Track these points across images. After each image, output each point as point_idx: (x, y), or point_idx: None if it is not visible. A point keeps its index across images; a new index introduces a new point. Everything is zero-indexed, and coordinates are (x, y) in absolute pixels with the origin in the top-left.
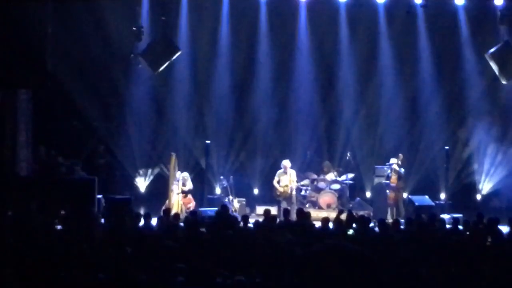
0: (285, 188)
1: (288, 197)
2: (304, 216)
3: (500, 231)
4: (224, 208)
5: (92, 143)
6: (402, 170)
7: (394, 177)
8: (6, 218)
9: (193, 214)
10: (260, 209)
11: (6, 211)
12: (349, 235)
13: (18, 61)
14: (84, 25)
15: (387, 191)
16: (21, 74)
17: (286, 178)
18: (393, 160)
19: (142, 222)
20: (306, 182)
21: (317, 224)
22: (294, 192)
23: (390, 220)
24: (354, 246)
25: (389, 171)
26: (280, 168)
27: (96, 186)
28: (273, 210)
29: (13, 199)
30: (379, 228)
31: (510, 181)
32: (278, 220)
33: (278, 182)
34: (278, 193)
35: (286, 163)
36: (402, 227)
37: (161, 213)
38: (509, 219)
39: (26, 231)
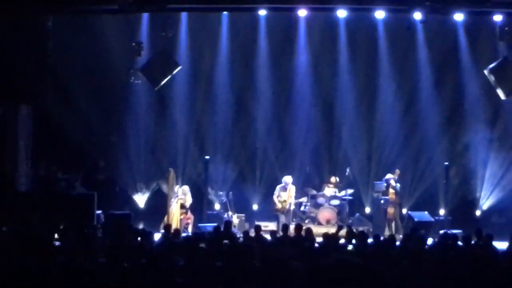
0: (283, 203)
1: (286, 212)
2: (301, 231)
3: (494, 248)
4: (227, 224)
5: (91, 159)
6: (398, 185)
7: (391, 193)
8: (2, 233)
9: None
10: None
11: (1, 226)
12: (349, 250)
13: (19, 77)
14: (84, 40)
15: (385, 207)
16: (22, 89)
17: (285, 194)
18: (389, 176)
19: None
20: (304, 199)
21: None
22: (292, 208)
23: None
24: (359, 261)
25: (385, 186)
26: (280, 183)
27: (95, 202)
28: (273, 226)
29: (12, 214)
30: (374, 243)
31: (511, 197)
32: (277, 235)
33: (278, 197)
34: (276, 208)
35: (287, 179)
36: (397, 243)
37: (162, 229)
38: (511, 234)
39: (25, 246)
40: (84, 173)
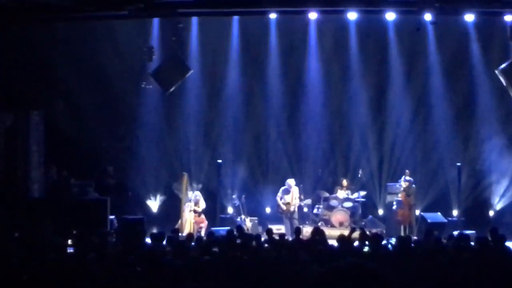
0: (287, 206)
1: (290, 215)
2: (318, 234)
3: (506, 249)
4: (239, 229)
5: (103, 164)
6: (414, 186)
7: (401, 194)
8: (13, 240)
9: (209, 235)
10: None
11: (13, 233)
12: (365, 252)
13: (29, 83)
14: (95, 46)
15: (394, 208)
16: (33, 95)
17: (289, 197)
18: (403, 177)
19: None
20: (308, 201)
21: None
22: (296, 210)
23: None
24: (370, 265)
25: (401, 188)
26: (284, 186)
27: (108, 207)
28: (284, 229)
29: (25, 220)
30: (398, 244)
31: None
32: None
33: (281, 199)
34: (280, 210)
35: (290, 182)
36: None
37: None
38: None
39: (38, 253)
40: (96, 178)
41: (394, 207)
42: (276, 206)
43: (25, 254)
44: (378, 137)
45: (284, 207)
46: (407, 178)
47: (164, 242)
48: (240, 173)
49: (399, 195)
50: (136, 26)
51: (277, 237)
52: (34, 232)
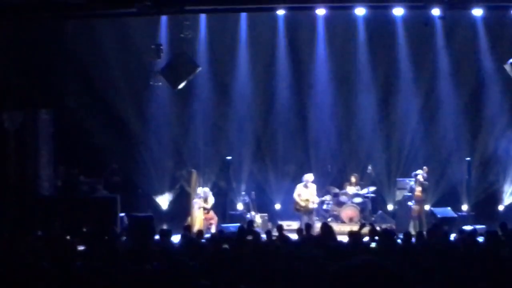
0: (306, 202)
1: (309, 212)
2: (328, 230)
3: None
4: (249, 224)
5: (110, 162)
6: (426, 183)
7: (418, 190)
8: (37, 238)
9: (220, 232)
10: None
11: (36, 231)
12: (372, 248)
13: (39, 82)
14: (103, 43)
15: (410, 203)
16: (42, 94)
17: (307, 192)
18: (419, 171)
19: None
20: (328, 197)
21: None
22: (315, 206)
23: (412, 232)
24: (385, 263)
25: (412, 183)
26: (301, 182)
27: (118, 204)
28: (296, 225)
29: (35, 219)
30: (403, 240)
31: None
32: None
33: (299, 195)
34: (298, 207)
35: (308, 177)
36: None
37: (183, 230)
38: None
39: (50, 251)
40: (104, 177)
41: (410, 203)
42: (293, 203)
43: (37, 252)
44: (387, 133)
45: (303, 204)
46: (425, 174)
47: (172, 239)
48: (250, 169)
49: (417, 191)
50: (144, 23)
51: (294, 233)
52: (45, 230)
